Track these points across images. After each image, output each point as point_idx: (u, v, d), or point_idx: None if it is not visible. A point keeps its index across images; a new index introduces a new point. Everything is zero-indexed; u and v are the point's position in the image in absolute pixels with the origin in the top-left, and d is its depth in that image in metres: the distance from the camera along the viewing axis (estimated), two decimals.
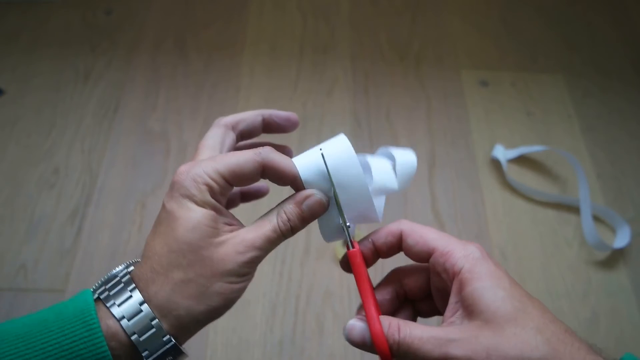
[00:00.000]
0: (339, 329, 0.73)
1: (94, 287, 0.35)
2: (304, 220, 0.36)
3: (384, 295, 0.38)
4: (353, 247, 0.37)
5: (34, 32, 1.07)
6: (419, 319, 0.40)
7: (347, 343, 0.36)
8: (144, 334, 0.33)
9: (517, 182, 0.87)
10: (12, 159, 0.90)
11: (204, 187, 0.34)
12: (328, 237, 0.38)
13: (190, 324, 0.34)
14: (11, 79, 0.99)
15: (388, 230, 0.37)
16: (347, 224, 0.37)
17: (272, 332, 0.73)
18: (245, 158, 0.35)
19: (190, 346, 0.36)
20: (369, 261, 0.38)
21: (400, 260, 0.40)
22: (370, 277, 0.37)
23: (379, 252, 0.38)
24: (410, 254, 0.37)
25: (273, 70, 1.03)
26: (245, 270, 0.35)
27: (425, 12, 1.14)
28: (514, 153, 0.90)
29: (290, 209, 0.36)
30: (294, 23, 1.10)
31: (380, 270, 0.42)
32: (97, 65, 1.02)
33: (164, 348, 0.33)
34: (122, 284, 0.34)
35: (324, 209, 0.37)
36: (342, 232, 0.37)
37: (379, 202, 0.39)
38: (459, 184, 0.89)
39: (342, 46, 1.07)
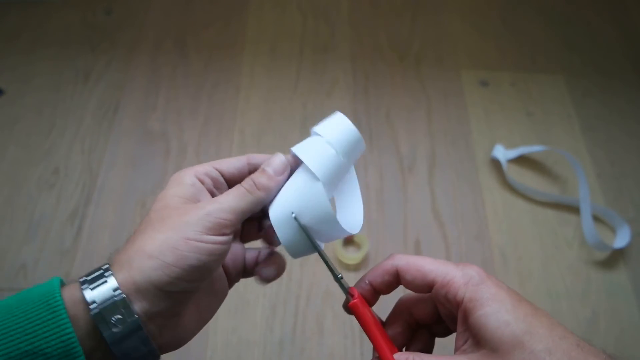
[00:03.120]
0: (339, 329, 0.73)
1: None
2: (269, 176, 0.37)
3: (396, 328, 0.37)
4: (352, 296, 0.36)
5: (34, 32, 1.07)
6: (437, 344, 0.39)
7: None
8: (96, 287, 0.32)
9: (517, 182, 0.87)
10: (12, 159, 0.90)
11: (189, 171, 0.37)
12: (294, 254, 0.39)
13: (144, 283, 0.32)
14: (11, 79, 0.99)
15: (383, 269, 0.37)
16: (339, 274, 0.37)
17: (272, 332, 0.73)
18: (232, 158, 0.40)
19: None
20: (371, 301, 0.37)
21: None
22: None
23: (378, 292, 0.37)
24: (410, 288, 0.37)
25: (273, 70, 1.03)
26: (205, 225, 0.34)
27: (425, 12, 1.14)
28: (514, 153, 0.90)
29: (254, 173, 0.38)
30: (294, 23, 1.10)
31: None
32: (97, 65, 1.02)
33: (112, 300, 0.32)
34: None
35: (283, 163, 0.38)
36: (309, 249, 0.38)
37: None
38: (459, 184, 0.89)
39: (342, 46, 1.07)
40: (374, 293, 0.37)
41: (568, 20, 1.13)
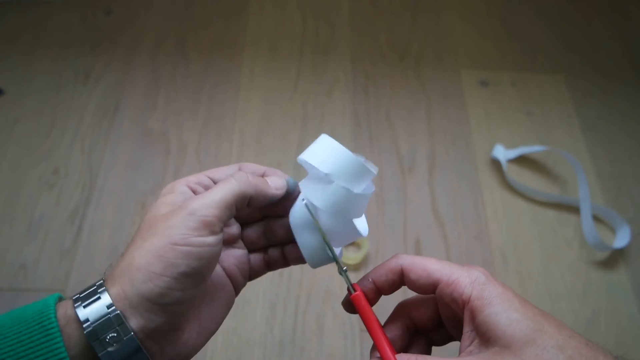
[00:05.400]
0: (339, 329, 0.73)
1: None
2: (263, 181, 0.37)
3: (394, 331, 0.37)
4: (354, 290, 0.36)
5: (34, 32, 1.07)
6: (435, 348, 0.38)
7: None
8: (89, 304, 0.31)
9: (517, 182, 0.87)
10: (12, 159, 0.90)
11: (181, 181, 0.37)
12: (314, 264, 0.38)
13: (136, 298, 0.31)
14: (11, 80, 0.99)
15: (388, 268, 0.36)
16: (344, 268, 0.37)
17: (272, 332, 0.73)
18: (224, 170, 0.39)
19: None
20: (372, 300, 0.37)
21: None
22: (377, 300, 0.37)
23: (380, 291, 0.37)
24: (414, 288, 0.36)
25: (273, 70, 1.03)
26: (190, 226, 0.32)
27: (425, 12, 1.14)
28: (513, 153, 0.90)
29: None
30: (294, 23, 1.11)
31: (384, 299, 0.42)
32: (97, 65, 1.02)
33: (105, 317, 0.30)
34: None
35: (281, 182, 0.38)
36: (328, 259, 0.38)
37: (361, 222, 0.40)
38: (459, 184, 0.89)
39: (342, 46, 1.07)
40: (376, 292, 0.37)
41: (568, 20, 1.13)
